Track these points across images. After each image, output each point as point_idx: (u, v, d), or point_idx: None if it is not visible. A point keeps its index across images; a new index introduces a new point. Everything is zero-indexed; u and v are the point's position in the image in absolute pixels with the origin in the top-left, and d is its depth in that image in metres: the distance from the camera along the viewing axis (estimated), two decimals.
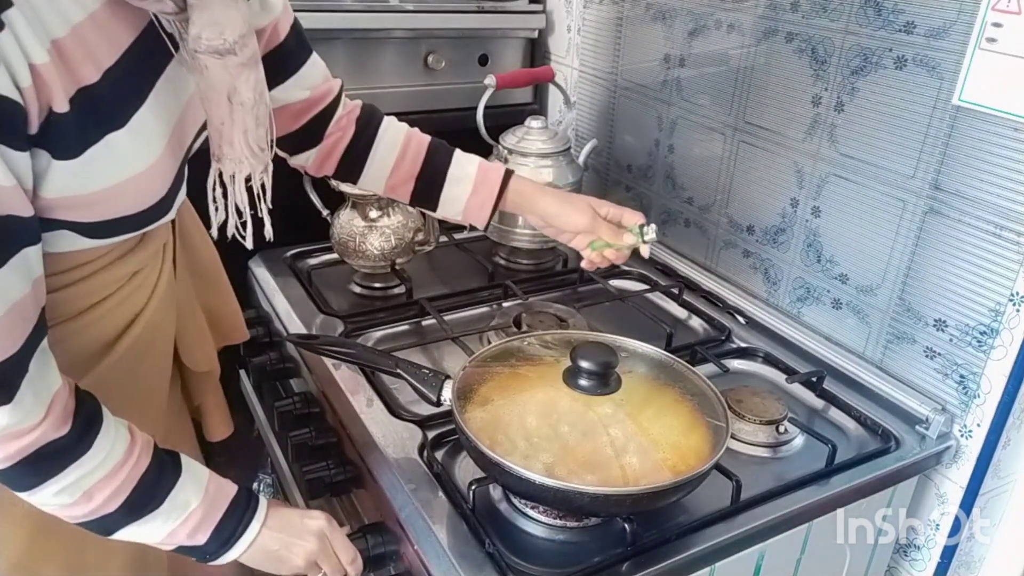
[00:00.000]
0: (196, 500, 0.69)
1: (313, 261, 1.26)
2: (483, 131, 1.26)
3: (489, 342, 1.00)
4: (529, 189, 0.94)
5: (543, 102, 1.59)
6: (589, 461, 0.70)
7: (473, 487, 0.75)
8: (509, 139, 1.25)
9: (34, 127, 0.55)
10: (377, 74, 1.40)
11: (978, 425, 0.89)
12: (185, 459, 0.70)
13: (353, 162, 0.92)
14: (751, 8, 1.08)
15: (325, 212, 1.20)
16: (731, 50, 1.13)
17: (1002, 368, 0.85)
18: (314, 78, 0.87)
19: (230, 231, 0.73)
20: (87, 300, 0.71)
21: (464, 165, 0.93)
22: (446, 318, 1.08)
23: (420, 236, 1.17)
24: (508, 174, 0.94)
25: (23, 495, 0.63)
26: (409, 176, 0.92)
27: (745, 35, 1.10)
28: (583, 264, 0.95)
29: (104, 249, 0.69)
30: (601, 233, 0.91)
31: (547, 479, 0.67)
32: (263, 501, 0.74)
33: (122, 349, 0.75)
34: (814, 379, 0.98)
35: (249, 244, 0.75)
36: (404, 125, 0.95)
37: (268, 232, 0.76)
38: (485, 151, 1.28)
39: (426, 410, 0.86)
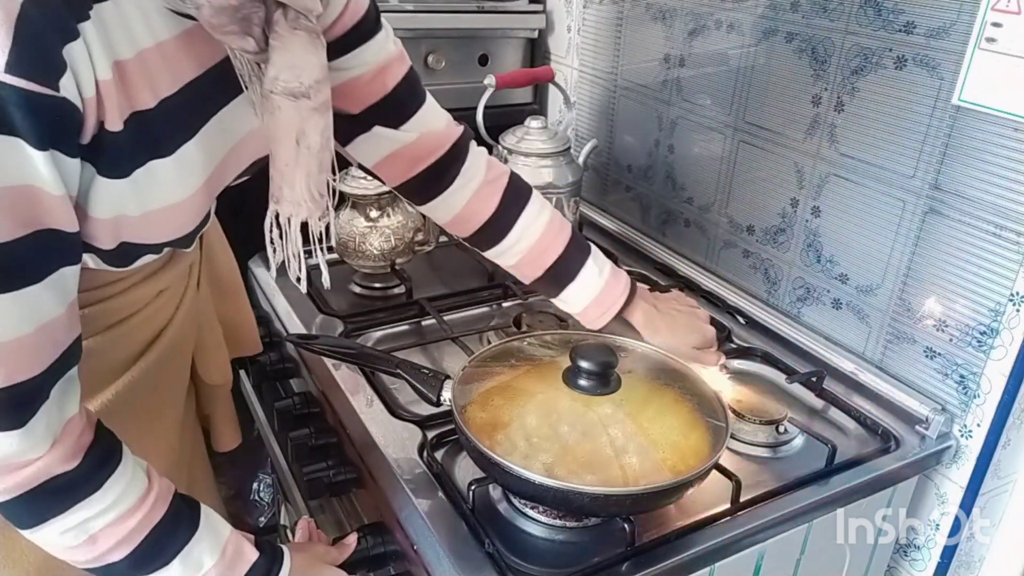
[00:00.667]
0: (211, 560, 0.65)
1: (313, 261, 1.25)
2: (483, 131, 1.26)
3: (489, 342, 1.00)
4: (651, 314, 0.91)
5: (543, 102, 1.59)
6: (589, 461, 0.70)
7: (473, 487, 0.75)
8: (509, 139, 1.25)
9: (87, 138, 0.55)
10: None
11: (978, 425, 0.89)
12: (206, 513, 0.67)
13: (488, 239, 0.88)
14: (751, 8, 1.08)
15: None
16: (731, 50, 1.13)
17: (1002, 368, 0.85)
18: (427, 123, 0.83)
19: (292, 274, 0.73)
20: (114, 317, 0.71)
21: (592, 274, 0.89)
22: (446, 318, 1.08)
23: (420, 236, 1.17)
24: (632, 292, 0.90)
25: (25, 533, 0.59)
26: (537, 266, 0.89)
27: (745, 35, 1.10)
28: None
29: (127, 271, 0.69)
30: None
31: (547, 479, 0.67)
32: (285, 567, 0.70)
33: (145, 364, 0.75)
34: (814, 379, 0.98)
35: (303, 288, 0.75)
36: (548, 211, 0.90)
37: (325, 279, 0.76)
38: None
39: (426, 410, 0.86)
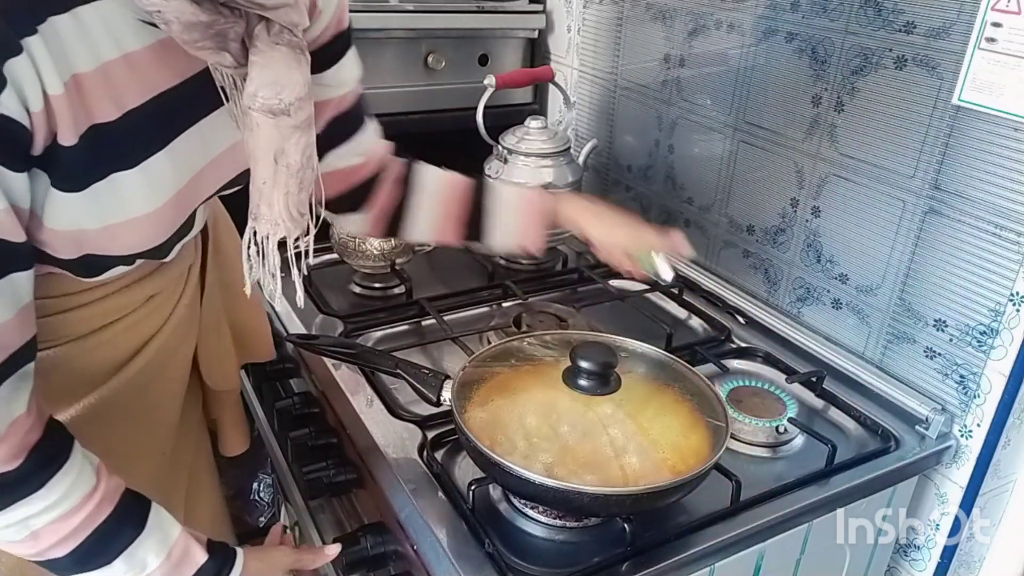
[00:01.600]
0: (156, 561, 0.63)
1: (313, 261, 1.25)
2: (483, 131, 1.26)
3: (489, 342, 1.00)
4: (572, 199, 0.92)
5: (543, 102, 1.59)
6: (589, 461, 0.70)
7: (473, 487, 0.74)
8: (509, 139, 1.25)
9: (38, 150, 0.54)
10: (377, 74, 1.40)
11: (978, 425, 0.89)
12: (156, 513, 0.64)
13: (398, 224, 0.88)
14: (751, 8, 1.08)
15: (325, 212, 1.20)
16: (731, 50, 1.13)
17: (1002, 368, 0.85)
18: (368, 143, 0.84)
19: (267, 291, 0.72)
20: (98, 321, 0.69)
21: (503, 193, 0.90)
22: (446, 318, 1.08)
23: None
24: (546, 193, 0.91)
25: None
26: (455, 230, 0.89)
27: (745, 35, 1.10)
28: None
29: (115, 273, 0.68)
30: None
31: (547, 479, 0.67)
32: (237, 569, 0.68)
33: (131, 372, 0.73)
34: (814, 379, 0.98)
35: (278, 305, 0.72)
36: (441, 172, 0.90)
37: (300, 299, 0.74)
38: (485, 151, 1.28)
39: (426, 410, 0.86)
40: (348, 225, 0.91)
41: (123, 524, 0.62)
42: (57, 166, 0.55)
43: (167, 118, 0.61)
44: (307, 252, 0.71)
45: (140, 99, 0.58)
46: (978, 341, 0.87)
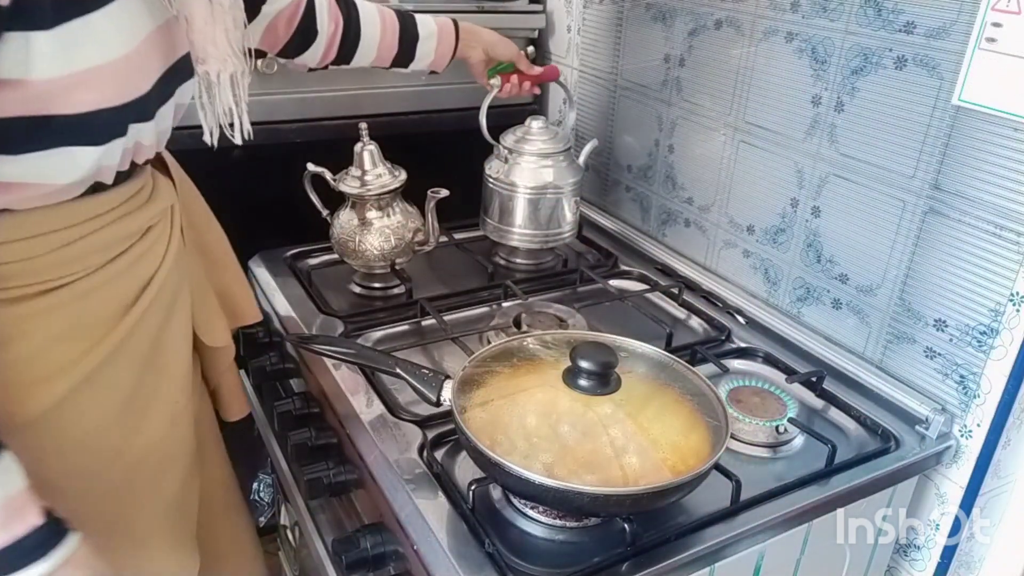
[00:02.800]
0: None
1: (313, 261, 1.26)
2: (485, 132, 1.26)
3: (489, 342, 1.00)
4: (471, 27, 1.17)
5: (543, 102, 1.59)
6: (589, 461, 0.70)
7: (473, 487, 0.75)
8: (509, 139, 1.25)
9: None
10: (377, 74, 1.39)
11: (978, 425, 0.89)
12: (5, 469, 0.60)
13: (349, 48, 1.07)
14: (751, 8, 1.08)
15: (325, 212, 1.20)
16: (731, 50, 1.13)
17: (1002, 368, 0.85)
18: None
19: (211, 132, 0.78)
20: (105, 254, 0.74)
21: (428, 23, 1.11)
22: (446, 318, 1.08)
23: (420, 236, 1.17)
24: (455, 21, 1.14)
25: None
26: (390, 46, 1.09)
27: (745, 35, 1.10)
28: (500, 92, 1.22)
29: (119, 197, 0.73)
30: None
31: (547, 479, 0.67)
32: (68, 545, 0.61)
33: (140, 311, 0.77)
34: (814, 379, 0.98)
35: (238, 140, 0.80)
36: (373, 4, 1.08)
37: (247, 129, 0.80)
38: (485, 151, 1.28)
39: (426, 410, 0.86)
40: (309, 61, 1.05)
41: None
42: (29, 7, 0.57)
43: None
44: (245, 91, 0.78)
45: None
46: (978, 341, 0.87)
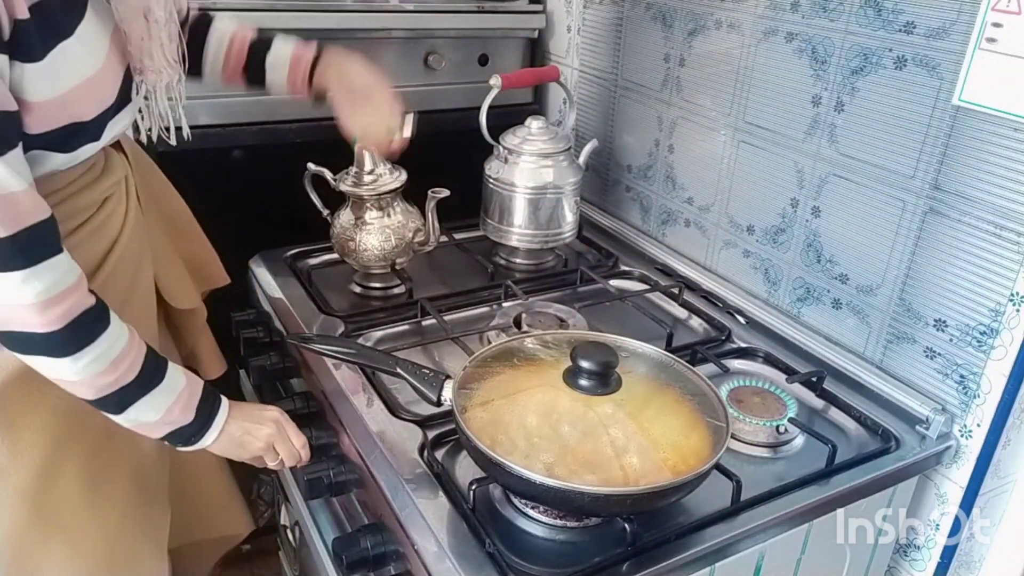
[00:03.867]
0: (183, 381, 0.81)
1: (313, 261, 1.26)
2: (485, 132, 1.26)
3: (489, 342, 1.00)
4: (339, 61, 1.00)
5: (543, 102, 1.60)
6: (589, 461, 0.70)
7: (473, 487, 0.75)
8: (510, 139, 1.25)
9: (6, 34, 0.64)
10: None
11: (978, 425, 0.89)
12: (172, 368, 0.81)
13: (195, 62, 0.97)
14: (751, 8, 1.08)
15: (325, 212, 1.20)
16: (731, 50, 1.13)
17: (1002, 368, 0.85)
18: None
19: (153, 136, 0.85)
20: (64, 225, 0.77)
21: (283, 50, 1.00)
22: (446, 318, 1.08)
23: (420, 236, 1.17)
24: (320, 49, 1.01)
25: (64, 362, 0.71)
26: (235, 70, 1.00)
27: (745, 35, 1.10)
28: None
29: (73, 174, 0.78)
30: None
31: (547, 479, 0.67)
32: (224, 401, 0.85)
33: (104, 276, 0.83)
34: (814, 379, 0.98)
35: (173, 141, 0.87)
36: (231, 25, 1.01)
37: (186, 132, 0.89)
38: (485, 151, 1.28)
39: (426, 410, 0.86)
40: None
41: (157, 356, 0.80)
42: (22, 42, 0.66)
43: None
44: (181, 96, 0.86)
45: None
46: (978, 341, 0.87)
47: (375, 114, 0.99)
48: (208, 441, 0.83)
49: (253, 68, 1.00)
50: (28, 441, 0.81)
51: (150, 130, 0.86)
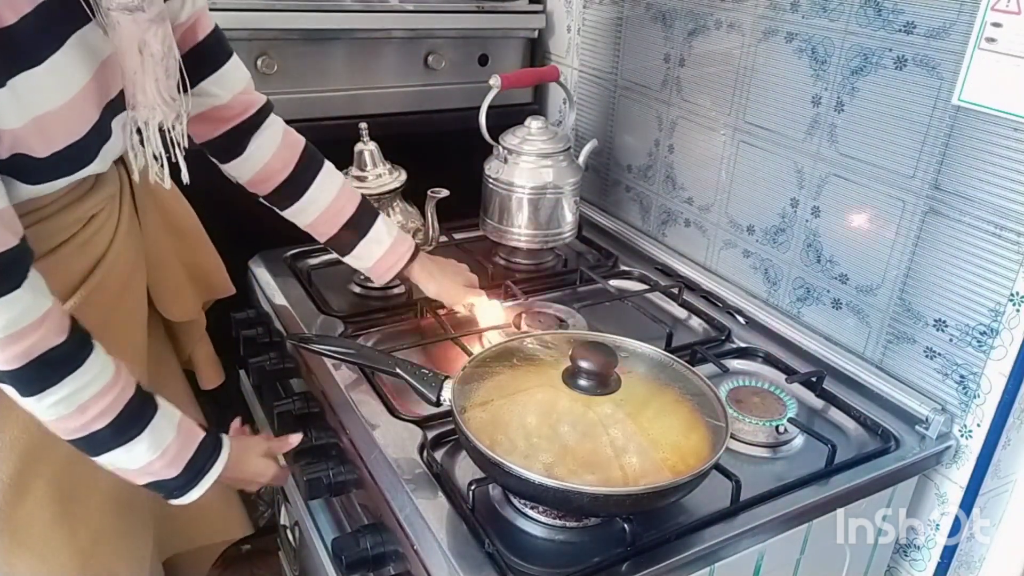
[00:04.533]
0: (172, 434, 0.77)
1: (313, 261, 1.26)
2: (485, 132, 1.26)
3: (489, 342, 1.00)
4: (430, 268, 1.06)
5: (543, 102, 1.59)
6: (589, 461, 0.70)
7: (473, 487, 0.75)
8: (510, 139, 1.25)
9: None
10: (377, 74, 1.40)
11: (978, 425, 0.89)
12: (159, 398, 0.78)
13: (288, 196, 0.97)
14: (751, 8, 1.08)
15: None
16: (731, 50, 1.13)
17: (1002, 368, 0.85)
18: (236, 82, 0.90)
19: (152, 177, 0.80)
20: (47, 243, 0.77)
21: (382, 231, 1.02)
22: (446, 318, 1.08)
23: (420, 236, 1.17)
24: (416, 251, 1.05)
25: (27, 402, 0.70)
26: (331, 227, 1.00)
27: (745, 35, 1.10)
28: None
29: (57, 194, 0.76)
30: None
31: (547, 479, 0.67)
32: (226, 447, 0.83)
33: (88, 291, 0.81)
34: (814, 379, 0.98)
35: (167, 185, 0.81)
36: (340, 176, 1.01)
37: (184, 176, 0.83)
38: (485, 151, 1.28)
39: (426, 410, 0.86)
40: (236, 175, 0.97)
41: (144, 402, 0.76)
42: None
43: (54, 23, 0.67)
44: (183, 135, 0.80)
45: (31, 6, 0.65)
46: (978, 341, 0.87)
47: (452, 278, 1.06)
48: (194, 496, 0.80)
49: (349, 235, 1.00)
50: (10, 439, 0.80)
51: (144, 168, 0.80)
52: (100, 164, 0.77)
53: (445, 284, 1.05)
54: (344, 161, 1.14)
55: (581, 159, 1.29)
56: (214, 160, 0.95)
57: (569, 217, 1.27)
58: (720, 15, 1.13)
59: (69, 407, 0.70)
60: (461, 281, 1.07)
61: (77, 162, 0.74)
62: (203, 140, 0.92)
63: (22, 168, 0.69)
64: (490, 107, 1.24)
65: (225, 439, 0.84)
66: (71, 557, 0.86)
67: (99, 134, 0.74)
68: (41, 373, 0.68)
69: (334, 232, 1.00)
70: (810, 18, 1.00)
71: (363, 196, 1.02)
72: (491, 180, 1.26)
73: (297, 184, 0.97)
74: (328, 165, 1.00)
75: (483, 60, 1.50)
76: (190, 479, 0.79)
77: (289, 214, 0.99)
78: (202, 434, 0.81)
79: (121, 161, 0.88)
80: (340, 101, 1.37)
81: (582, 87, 1.47)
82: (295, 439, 0.92)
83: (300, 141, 0.98)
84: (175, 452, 0.77)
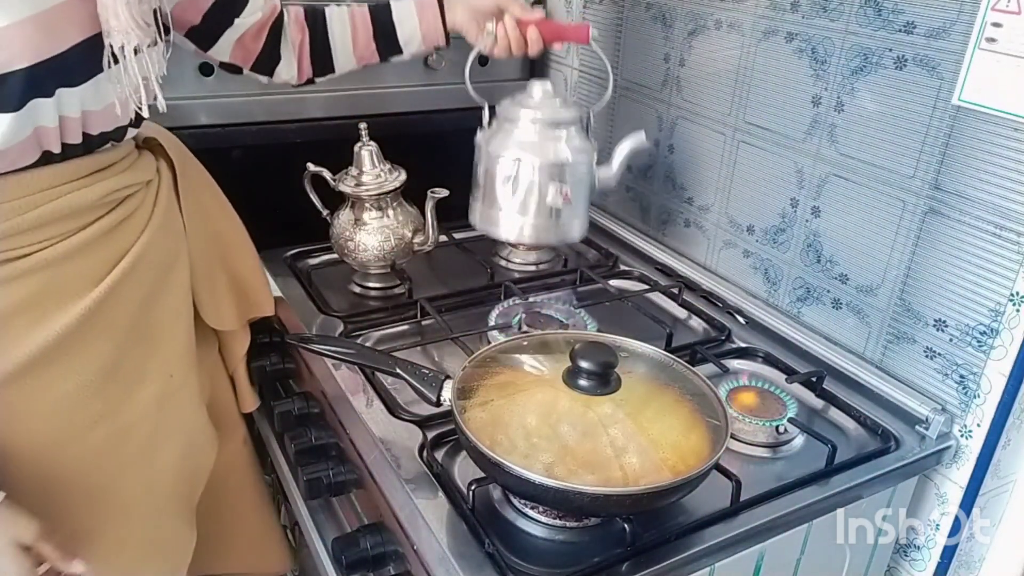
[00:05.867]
0: None
1: (313, 261, 1.26)
2: (472, 92, 1.15)
3: (489, 342, 1.00)
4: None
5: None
6: (589, 461, 0.70)
7: (473, 487, 0.75)
8: (508, 106, 1.13)
9: None
10: (377, 74, 1.39)
11: (978, 425, 0.89)
12: None
13: (323, 55, 1.03)
14: (751, 8, 1.08)
15: (325, 212, 1.20)
16: (731, 50, 1.13)
17: (1002, 368, 0.85)
18: (258, 6, 0.95)
19: (133, 105, 0.77)
20: (69, 223, 0.75)
21: (405, 7, 1.04)
22: (446, 318, 1.08)
23: (419, 236, 1.17)
24: None
25: None
26: (368, 40, 1.04)
27: (745, 35, 1.10)
28: (493, 52, 1.08)
29: (70, 172, 0.74)
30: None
31: (547, 479, 0.67)
32: None
33: (113, 280, 0.79)
34: (814, 379, 0.98)
35: (145, 113, 0.79)
36: (344, 7, 1.05)
37: (161, 104, 0.80)
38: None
39: (426, 410, 0.86)
40: (287, 77, 1.02)
41: None
42: None
43: None
44: (160, 66, 0.78)
45: None
46: (978, 341, 0.87)
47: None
48: None
49: (382, 33, 1.03)
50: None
51: (126, 102, 0.77)
52: (95, 95, 0.74)
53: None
54: (344, 161, 1.14)
55: (618, 160, 1.11)
56: (264, 79, 1.01)
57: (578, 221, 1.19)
58: (720, 15, 1.13)
59: None
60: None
61: (58, 81, 0.71)
62: (248, 63, 0.98)
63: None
64: (482, 82, 1.15)
65: None
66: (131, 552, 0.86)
67: (83, 61, 0.72)
68: None
69: (375, 48, 1.04)
70: (810, 18, 1.00)
71: (369, 8, 1.05)
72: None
73: (318, 49, 1.02)
74: (330, 9, 1.03)
75: (483, 60, 1.49)
76: None
77: (339, 70, 1.04)
78: None
79: (161, 150, 0.89)
80: (340, 101, 1.36)
81: (582, 87, 1.47)
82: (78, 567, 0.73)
83: (300, 10, 1.02)
84: None
